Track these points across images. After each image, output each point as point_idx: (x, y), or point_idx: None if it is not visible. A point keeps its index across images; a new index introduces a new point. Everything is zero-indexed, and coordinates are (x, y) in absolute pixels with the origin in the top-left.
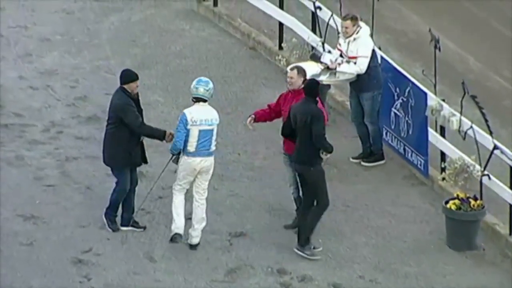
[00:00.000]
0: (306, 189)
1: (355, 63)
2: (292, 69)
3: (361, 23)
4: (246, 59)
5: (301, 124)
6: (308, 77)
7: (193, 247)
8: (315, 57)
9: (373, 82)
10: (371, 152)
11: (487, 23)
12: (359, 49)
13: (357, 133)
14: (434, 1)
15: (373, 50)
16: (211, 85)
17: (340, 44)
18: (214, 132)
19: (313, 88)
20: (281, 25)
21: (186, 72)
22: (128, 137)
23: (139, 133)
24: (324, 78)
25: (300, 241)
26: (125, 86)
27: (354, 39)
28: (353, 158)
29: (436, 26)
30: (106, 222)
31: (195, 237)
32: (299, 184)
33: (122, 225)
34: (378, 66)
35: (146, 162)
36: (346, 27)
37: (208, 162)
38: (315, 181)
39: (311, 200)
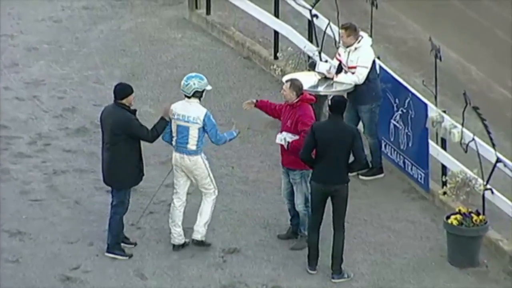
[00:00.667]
0: (338, 208)
1: (353, 73)
2: (287, 81)
3: (363, 33)
4: (240, 69)
5: (337, 144)
6: (305, 88)
7: (196, 242)
8: (313, 66)
9: (371, 94)
10: (370, 165)
11: (491, 32)
12: (360, 59)
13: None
14: (435, 9)
15: (373, 62)
16: (187, 81)
17: (339, 54)
18: (192, 131)
19: (341, 105)
20: (276, 34)
21: (178, 82)
22: (137, 154)
23: (152, 141)
24: (321, 89)
25: (336, 266)
26: (123, 101)
27: (355, 48)
28: (361, 175)
29: (437, 34)
30: (116, 256)
31: (196, 232)
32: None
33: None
34: (377, 79)
35: (142, 175)
36: (342, 36)
37: (187, 160)
38: (347, 196)
39: (343, 220)
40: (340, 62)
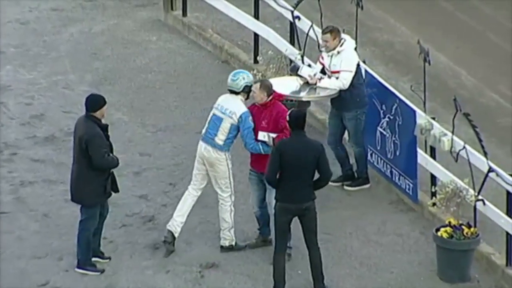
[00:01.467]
0: (310, 225)
1: (337, 78)
2: (256, 82)
3: (346, 36)
4: (218, 74)
5: (303, 161)
6: (287, 93)
7: (226, 248)
8: (295, 70)
9: (356, 100)
10: (355, 175)
11: (482, 35)
12: (343, 62)
13: (335, 157)
14: (424, 11)
15: (358, 66)
16: (236, 76)
17: (322, 58)
18: (224, 124)
19: (299, 120)
20: (256, 36)
21: (153, 88)
22: (103, 172)
23: (99, 168)
24: (303, 95)
25: (319, 284)
26: (95, 114)
27: (338, 52)
28: (332, 181)
29: (425, 37)
30: (87, 272)
31: (222, 238)
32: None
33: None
34: (363, 84)
35: (117, 191)
36: (326, 41)
37: (209, 153)
38: (316, 212)
39: (316, 236)
40: (323, 66)
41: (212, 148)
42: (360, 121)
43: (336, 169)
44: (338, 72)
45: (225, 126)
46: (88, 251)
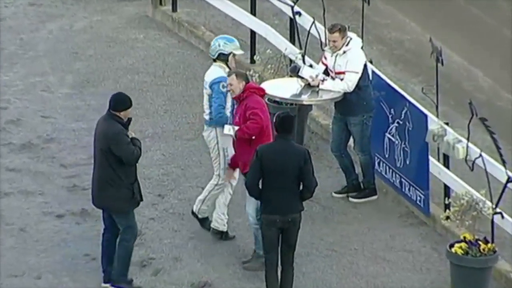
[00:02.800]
0: (290, 239)
1: (341, 79)
2: (230, 73)
3: (351, 34)
4: None
5: (287, 168)
6: (288, 97)
7: (212, 230)
8: (295, 71)
9: (362, 104)
10: (361, 186)
11: (498, 32)
12: (349, 63)
13: (339, 166)
14: (436, 6)
15: (365, 66)
16: (214, 43)
17: (326, 58)
18: (205, 97)
19: (287, 123)
20: (253, 34)
21: (140, 90)
22: (130, 175)
23: (134, 164)
24: (304, 98)
25: None
26: (120, 114)
27: (344, 52)
28: (336, 192)
29: (438, 35)
30: None
31: (213, 220)
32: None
33: (110, 282)
34: (369, 86)
35: (141, 199)
36: (334, 41)
37: (204, 132)
38: (299, 227)
39: (293, 253)
40: (327, 66)
41: (205, 126)
42: (366, 126)
43: (340, 179)
44: (343, 73)
45: (206, 99)
46: (127, 266)
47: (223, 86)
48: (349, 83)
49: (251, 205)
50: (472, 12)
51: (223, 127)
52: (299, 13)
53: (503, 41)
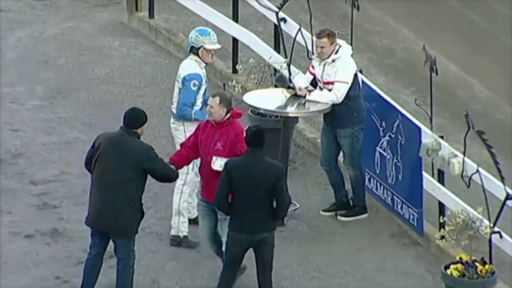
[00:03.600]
0: (265, 260)
1: (330, 89)
2: (214, 95)
3: (341, 41)
4: None
5: (258, 185)
6: (273, 109)
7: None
8: (282, 81)
9: (352, 115)
10: (350, 203)
11: (497, 39)
12: (338, 72)
13: (329, 181)
14: (430, 12)
15: (356, 76)
16: (189, 34)
17: (313, 67)
18: (175, 90)
19: (259, 137)
20: (235, 42)
21: (115, 102)
22: (141, 194)
23: (174, 180)
24: (291, 110)
25: None
26: (138, 131)
27: (333, 60)
28: (323, 210)
29: (432, 42)
30: None
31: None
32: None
33: None
34: (360, 96)
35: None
36: (322, 47)
37: (173, 124)
38: (272, 246)
39: (271, 274)
40: (314, 76)
41: (172, 119)
42: (357, 139)
43: (329, 196)
44: (332, 83)
45: (176, 92)
46: None
47: (194, 85)
48: (338, 93)
49: (225, 225)
50: (469, 18)
51: (190, 121)
52: (284, 20)
53: (502, 49)
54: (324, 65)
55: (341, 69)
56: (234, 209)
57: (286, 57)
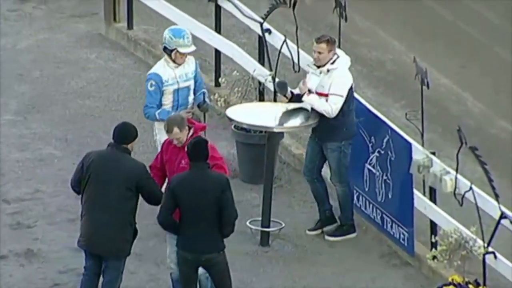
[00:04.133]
0: (220, 282)
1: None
2: (169, 130)
3: (340, 51)
4: None
5: (201, 201)
6: (257, 124)
7: None
8: (283, 88)
9: (342, 130)
10: (335, 218)
11: (490, 51)
12: (333, 85)
13: (312, 192)
14: (421, 22)
15: (351, 89)
16: (164, 33)
17: (308, 79)
18: None
19: (199, 149)
20: (218, 54)
21: (91, 117)
22: (134, 213)
23: (157, 203)
24: (276, 125)
25: None
26: (128, 146)
27: (328, 70)
28: (310, 230)
29: (423, 54)
30: None
31: None
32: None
33: None
34: (353, 111)
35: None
36: (320, 52)
37: None
38: (224, 267)
39: None
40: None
41: None
42: (344, 154)
43: (315, 214)
44: (326, 95)
45: None
46: None
47: (151, 85)
48: (333, 106)
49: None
50: (461, 29)
51: (164, 119)
52: (269, 31)
53: (495, 61)
54: (320, 73)
55: (336, 81)
56: (181, 227)
57: (271, 69)
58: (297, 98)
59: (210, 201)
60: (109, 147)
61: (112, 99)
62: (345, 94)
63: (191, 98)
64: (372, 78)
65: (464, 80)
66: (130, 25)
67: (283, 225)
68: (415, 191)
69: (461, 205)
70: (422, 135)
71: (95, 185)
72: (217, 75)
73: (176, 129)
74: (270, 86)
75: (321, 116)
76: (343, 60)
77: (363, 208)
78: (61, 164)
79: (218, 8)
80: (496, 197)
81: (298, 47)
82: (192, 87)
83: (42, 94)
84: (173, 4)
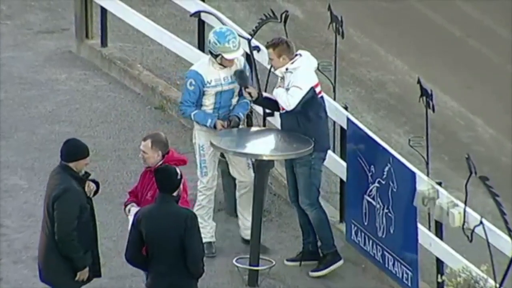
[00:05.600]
0: None
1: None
2: (145, 138)
3: (304, 52)
4: (151, 123)
5: (167, 237)
6: (244, 151)
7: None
8: (242, 78)
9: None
10: (320, 254)
11: (502, 70)
12: (293, 78)
13: (298, 220)
14: (426, 40)
15: (317, 95)
16: (209, 35)
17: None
18: None
19: (165, 179)
20: None
21: (61, 143)
22: (79, 237)
23: (63, 241)
24: (265, 153)
25: None
26: (71, 165)
27: (287, 69)
28: (288, 260)
29: (428, 74)
30: None
31: None
32: None
33: None
34: (324, 121)
35: (99, 275)
36: (270, 58)
37: None
38: None
39: None
40: None
41: None
42: (314, 171)
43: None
44: None
45: None
46: None
47: (191, 84)
48: (290, 98)
49: None
50: (470, 46)
51: (199, 123)
52: (258, 48)
53: (508, 81)
54: (283, 78)
55: (295, 75)
56: (149, 262)
57: (259, 89)
58: (265, 100)
59: (173, 239)
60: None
61: (84, 124)
62: (304, 88)
63: (234, 100)
64: (372, 100)
65: (474, 102)
66: (104, 42)
67: (274, 263)
68: (419, 225)
69: (471, 241)
70: (427, 163)
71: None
72: None
73: (149, 143)
74: (259, 109)
75: (293, 129)
76: (305, 59)
77: (362, 244)
78: (27, 196)
79: (201, 24)
80: (509, 232)
81: (270, 64)
82: (237, 91)
83: (7, 118)
84: (152, 20)
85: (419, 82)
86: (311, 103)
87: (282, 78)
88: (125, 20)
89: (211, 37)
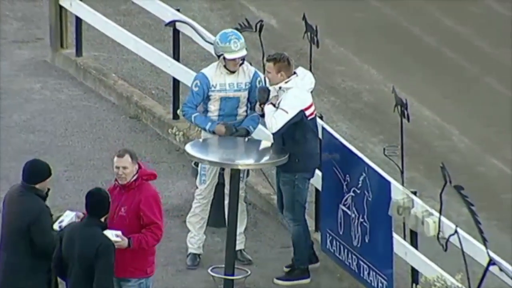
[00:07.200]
0: None
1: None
2: (121, 155)
3: (301, 70)
4: (126, 133)
5: (79, 262)
6: (218, 161)
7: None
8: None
9: (294, 161)
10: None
11: (479, 80)
12: (282, 100)
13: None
14: (401, 48)
15: (313, 119)
16: (215, 38)
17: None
18: None
19: (97, 203)
20: (176, 83)
21: (36, 153)
22: (47, 260)
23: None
24: (240, 162)
25: None
26: (37, 186)
27: (280, 88)
28: (278, 278)
29: (403, 84)
30: None
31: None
32: None
33: None
34: (312, 143)
35: None
36: (268, 71)
37: None
38: None
39: None
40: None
41: None
42: (298, 189)
43: (285, 260)
44: None
45: None
46: None
47: (196, 85)
48: (274, 122)
49: None
50: (447, 56)
51: (199, 126)
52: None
53: (484, 91)
54: (277, 94)
55: (285, 97)
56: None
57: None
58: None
59: (85, 264)
60: (19, 184)
61: (59, 134)
62: (291, 112)
63: (241, 110)
64: (347, 110)
65: (449, 112)
66: (79, 52)
67: (249, 272)
68: (394, 234)
69: (445, 250)
70: (402, 173)
71: (2, 228)
72: (175, 106)
73: (128, 157)
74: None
75: (279, 147)
76: (301, 80)
77: (337, 254)
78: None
79: (176, 33)
80: (484, 241)
81: (265, 76)
82: (243, 100)
83: None
84: (127, 29)
85: (393, 91)
86: (298, 125)
87: (275, 96)
88: (100, 29)
89: (215, 38)
